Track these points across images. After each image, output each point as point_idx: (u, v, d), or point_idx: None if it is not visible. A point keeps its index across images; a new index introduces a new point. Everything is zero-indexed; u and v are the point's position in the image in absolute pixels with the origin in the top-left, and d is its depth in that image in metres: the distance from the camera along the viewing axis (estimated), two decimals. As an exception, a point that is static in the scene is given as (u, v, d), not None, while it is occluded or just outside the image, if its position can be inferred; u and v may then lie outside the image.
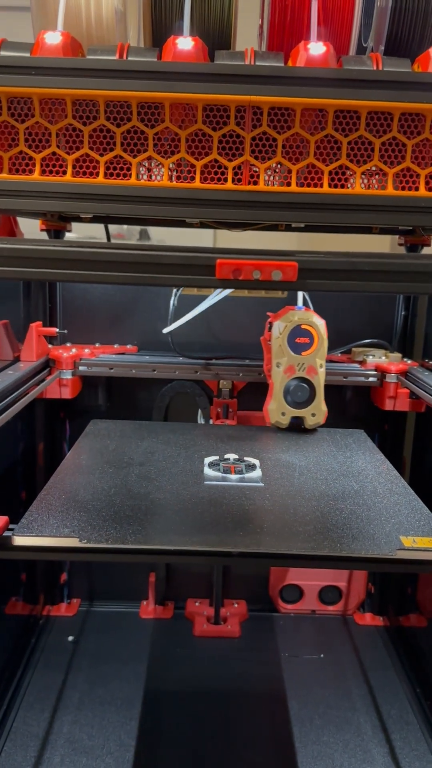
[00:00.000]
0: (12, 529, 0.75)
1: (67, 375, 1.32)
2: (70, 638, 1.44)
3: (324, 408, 1.17)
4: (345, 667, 1.39)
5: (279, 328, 1.15)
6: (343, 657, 1.43)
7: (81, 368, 1.34)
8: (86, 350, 1.38)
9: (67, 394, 1.33)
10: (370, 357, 1.38)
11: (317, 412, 1.17)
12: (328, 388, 1.38)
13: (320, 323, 1.15)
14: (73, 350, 1.36)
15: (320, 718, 1.23)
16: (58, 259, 0.71)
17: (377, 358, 1.38)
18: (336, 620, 1.55)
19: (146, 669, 1.34)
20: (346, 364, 1.39)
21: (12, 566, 1.36)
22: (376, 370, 1.35)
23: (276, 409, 1.16)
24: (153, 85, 0.69)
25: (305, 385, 1.15)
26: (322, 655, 1.42)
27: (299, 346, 1.15)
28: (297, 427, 1.18)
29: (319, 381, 1.16)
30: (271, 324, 1.17)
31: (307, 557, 0.71)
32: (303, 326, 1.14)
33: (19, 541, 0.72)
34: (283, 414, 1.16)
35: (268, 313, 1.20)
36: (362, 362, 1.38)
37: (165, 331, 1.33)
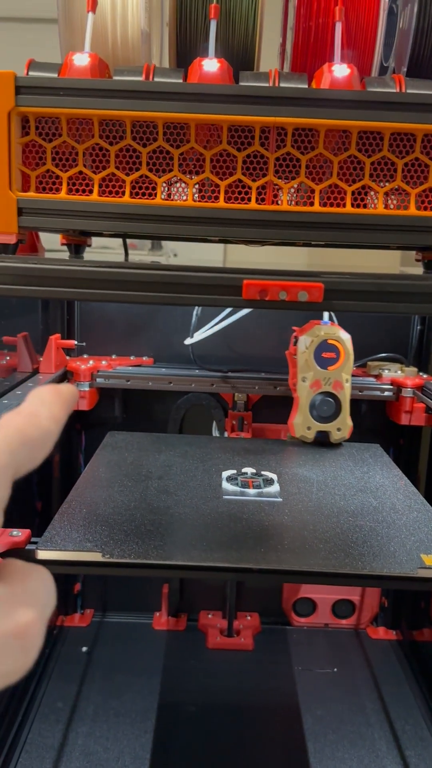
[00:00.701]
0: (35, 542, 0.76)
1: (85, 387, 1.33)
2: (84, 649, 1.44)
3: (349, 422, 1.17)
4: (358, 681, 1.39)
5: (305, 343, 1.15)
6: (356, 671, 1.42)
7: (98, 380, 1.35)
8: (103, 362, 1.38)
9: (84, 405, 1.34)
10: (386, 371, 1.38)
11: (342, 426, 1.17)
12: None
13: (346, 338, 1.15)
14: (91, 362, 1.37)
15: (334, 734, 1.23)
16: (81, 279, 0.72)
17: (393, 372, 1.38)
18: (349, 634, 1.55)
19: (160, 681, 1.34)
20: (362, 377, 1.39)
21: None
22: (392, 384, 1.36)
23: (302, 423, 1.17)
24: (179, 106, 0.70)
25: (331, 400, 1.15)
26: (335, 669, 1.42)
27: (325, 361, 1.15)
28: (322, 441, 1.18)
29: (345, 395, 1.16)
30: (296, 338, 1.18)
31: (329, 575, 0.71)
32: (329, 341, 1.14)
33: (43, 555, 0.73)
34: (309, 428, 1.16)
35: (294, 328, 1.20)
36: (378, 376, 1.38)
37: (187, 342, 1.33)
